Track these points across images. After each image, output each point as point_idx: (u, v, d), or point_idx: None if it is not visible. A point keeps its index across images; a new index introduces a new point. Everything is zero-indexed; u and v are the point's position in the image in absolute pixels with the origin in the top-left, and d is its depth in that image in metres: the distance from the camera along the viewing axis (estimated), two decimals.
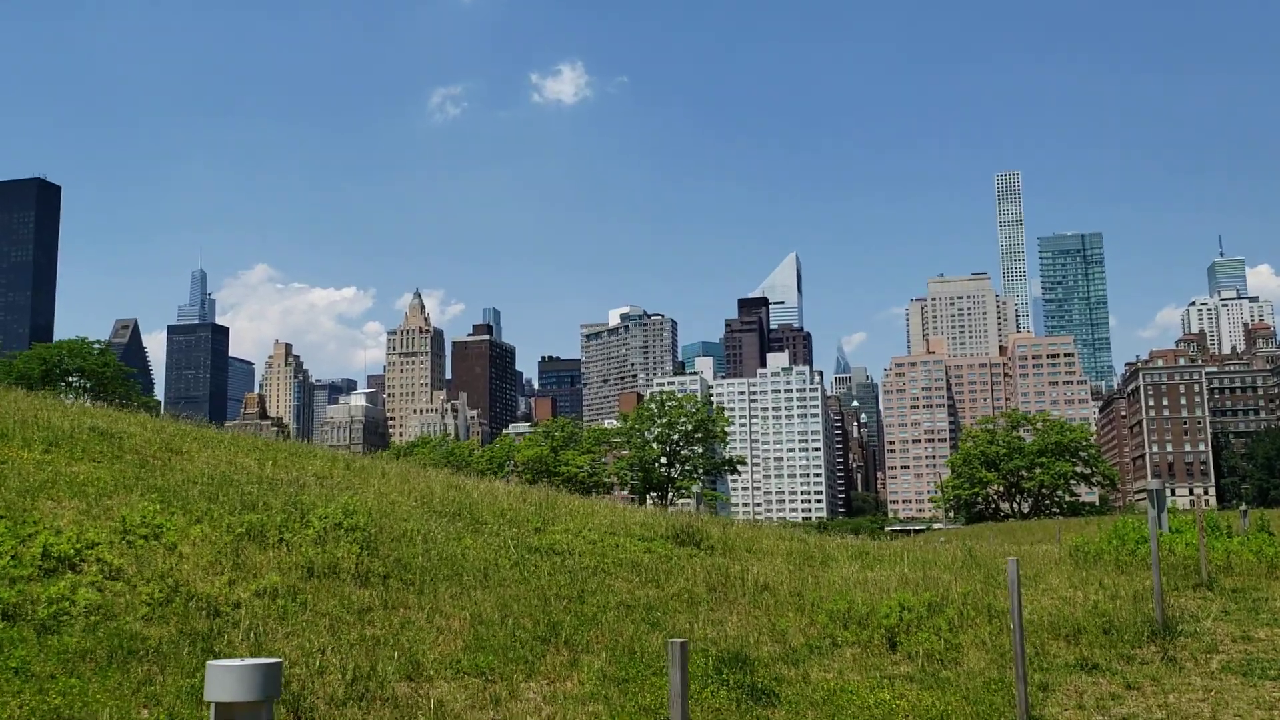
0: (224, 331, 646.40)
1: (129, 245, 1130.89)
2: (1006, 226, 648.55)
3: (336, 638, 10.57)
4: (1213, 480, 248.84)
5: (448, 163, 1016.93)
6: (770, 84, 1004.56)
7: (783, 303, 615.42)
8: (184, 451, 19.23)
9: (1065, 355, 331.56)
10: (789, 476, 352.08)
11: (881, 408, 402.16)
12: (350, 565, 12.76)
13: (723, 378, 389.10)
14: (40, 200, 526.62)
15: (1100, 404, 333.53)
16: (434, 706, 9.38)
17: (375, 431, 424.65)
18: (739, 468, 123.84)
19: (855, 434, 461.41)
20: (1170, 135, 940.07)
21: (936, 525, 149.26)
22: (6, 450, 15.94)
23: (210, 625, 10.38)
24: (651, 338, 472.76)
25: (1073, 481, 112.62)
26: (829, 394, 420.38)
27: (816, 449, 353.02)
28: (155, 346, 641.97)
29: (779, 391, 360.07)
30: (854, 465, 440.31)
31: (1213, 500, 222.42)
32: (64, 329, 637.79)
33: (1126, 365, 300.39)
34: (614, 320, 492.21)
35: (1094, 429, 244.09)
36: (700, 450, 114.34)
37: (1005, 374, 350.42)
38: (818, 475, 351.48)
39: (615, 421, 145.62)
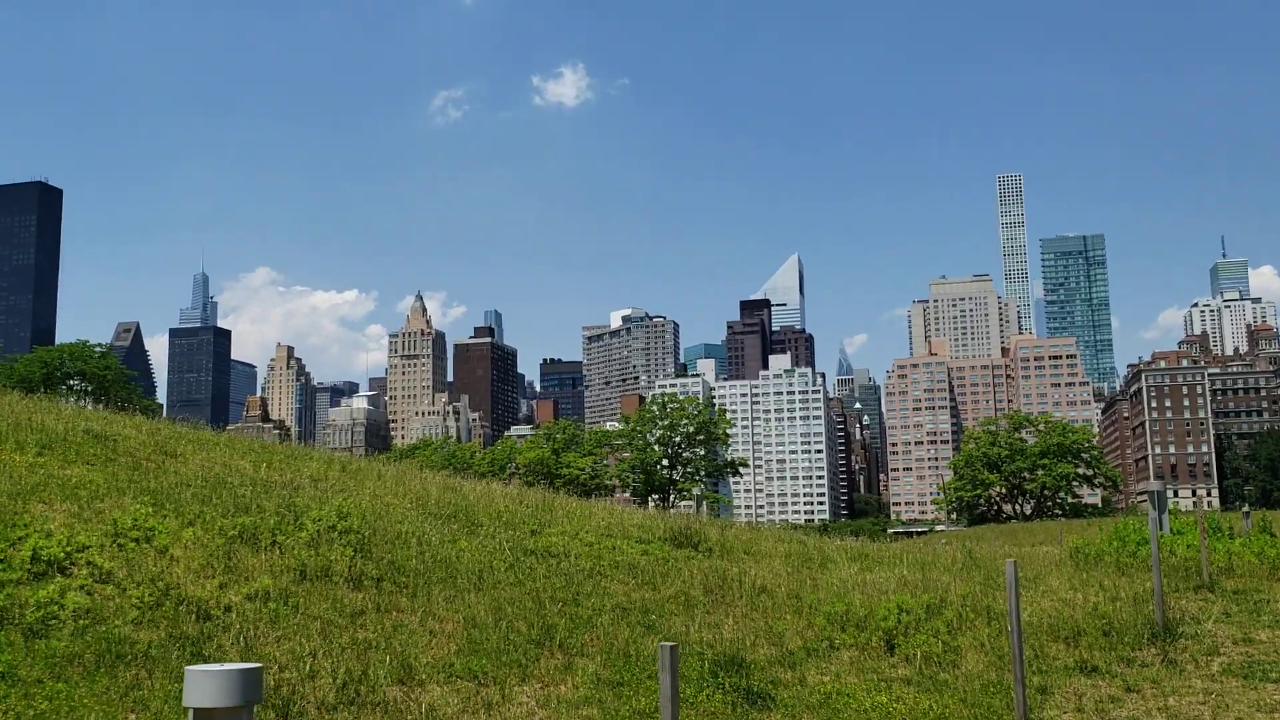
0: (226, 334, 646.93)
1: (131, 248, 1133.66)
2: (1008, 228, 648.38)
3: (328, 641, 10.47)
4: (1216, 482, 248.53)
5: (449, 165, 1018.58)
6: (772, 85, 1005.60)
7: (784, 304, 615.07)
8: (178, 454, 19.14)
9: (1067, 357, 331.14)
10: (791, 479, 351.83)
11: (884, 409, 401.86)
12: (343, 568, 12.66)
13: (725, 380, 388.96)
14: (42, 204, 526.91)
15: (1103, 405, 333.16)
16: (425, 711, 9.29)
17: (377, 434, 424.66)
18: (741, 470, 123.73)
19: (857, 436, 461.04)
20: (1172, 136, 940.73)
21: (939, 527, 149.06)
22: None
23: (200, 629, 10.29)
24: (653, 340, 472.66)
25: (1075, 483, 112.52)
26: (831, 396, 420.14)
27: (819, 451, 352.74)
28: (157, 350, 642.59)
29: (781, 394, 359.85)
30: (856, 467, 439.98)
31: (1216, 502, 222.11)
32: (66, 333, 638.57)
33: (1129, 367, 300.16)
34: (616, 322, 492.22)
35: (1096, 430, 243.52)
36: (702, 452, 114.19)
37: (1007, 375, 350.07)
38: (820, 477, 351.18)
39: (617, 424, 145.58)
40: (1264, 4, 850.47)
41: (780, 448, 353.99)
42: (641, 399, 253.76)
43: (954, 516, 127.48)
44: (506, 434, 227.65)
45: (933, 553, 22.55)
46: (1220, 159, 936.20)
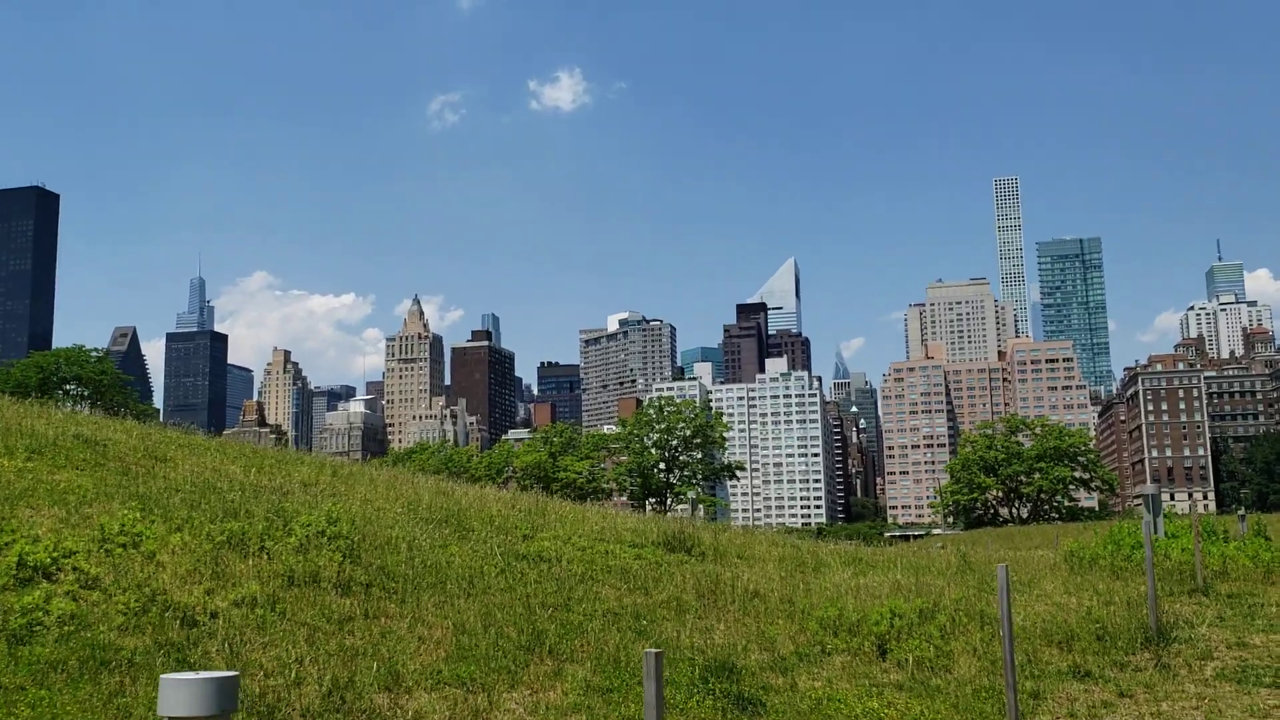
0: (223, 339, 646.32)
1: (127, 253, 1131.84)
2: (1005, 231, 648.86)
3: (314, 648, 10.39)
4: (1212, 485, 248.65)
5: (446, 169, 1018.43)
6: (768, 90, 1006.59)
7: (781, 308, 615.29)
8: (169, 459, 19.06)
9: (1064, 360, 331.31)
10: (788, 482, 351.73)
11: (880, 413, 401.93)
12: (332, 574, 12.58)
13: (721, 383, 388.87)
14: (38, 208, 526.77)
15: (1099, 409, 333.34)
16: (412, 718, 9.21)
17: (374, 438, 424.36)
18: (738, 473, 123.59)
19: (854, 439, 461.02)
20: (1168, 139, 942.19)
21: (936, 531, 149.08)
22: None
23: (186, 635, 10.21)
24: (650, 343, 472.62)
25: (1072, 486, 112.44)
26: (828, 399, 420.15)
27: (815, 454, 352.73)
28: (154, 354, 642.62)
29: (778, 397, 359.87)
30: (853, 471, 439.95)
31: (1212, 505, 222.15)
32: (63, 337, 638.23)
33: (1125, 370, 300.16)
34: (613, 326, 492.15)
35: (1093, 434, 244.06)
36: (699, 456, 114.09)
37: (1004, 379, 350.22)
38: (817, 481, 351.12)
39: (614, 427, 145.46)
40: (1261, 6, 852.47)
41: (777, 451, 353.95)
42: (639, 402, 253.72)
43: (950, 520, 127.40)
44: (504, 437, 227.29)
45: (927, 557, 22.51)
46: (1216, 162, 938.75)
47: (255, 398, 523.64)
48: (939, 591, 16.32)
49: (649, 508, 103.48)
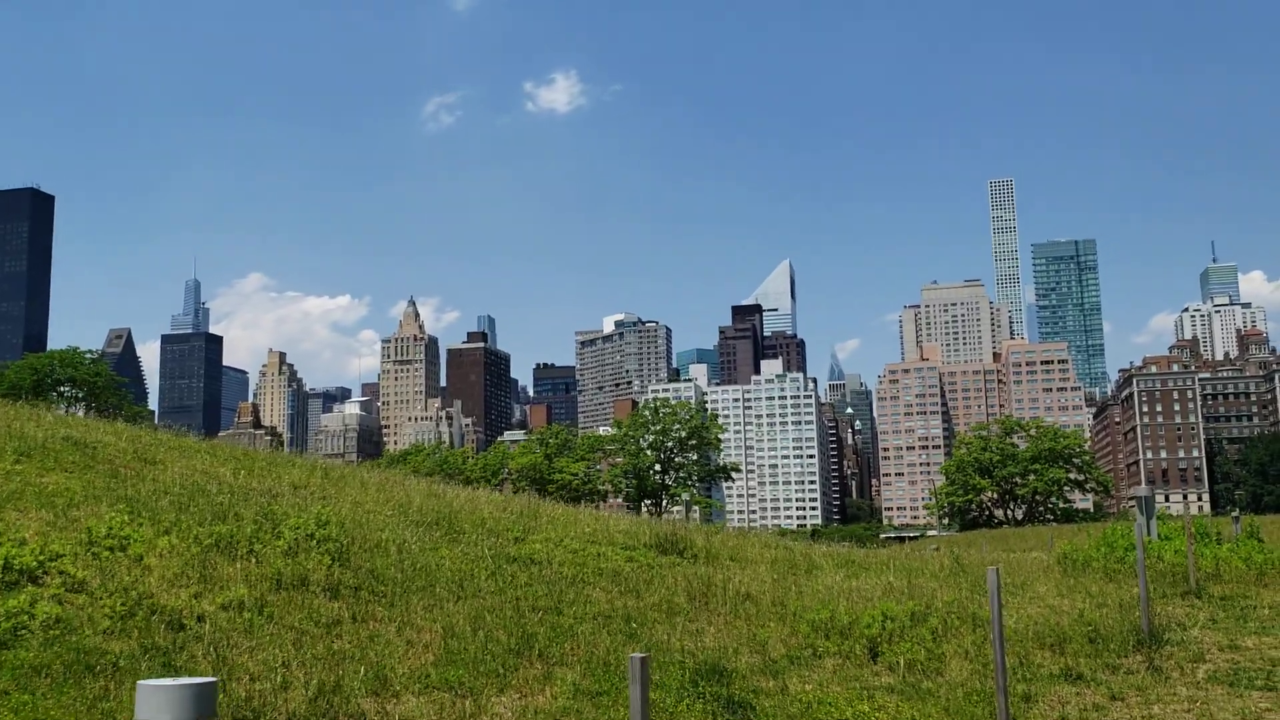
0: (218, 340, 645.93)
1: (123, 254, 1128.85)
2: (1000, 233, 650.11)
3: (302, 651, 10.32)
4: (1206, 486, 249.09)
5: (442, 170, 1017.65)
6: (765, 91, 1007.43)
7: (776, 310, 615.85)
8: (158, 461, 18.97)
9: (1059, 362, 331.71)
10: (784, 483, 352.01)
11: (875, 414, 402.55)
12: (320, 577, 12.51)
13: (717, 385, 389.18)
14: (34, 210, 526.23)
15: (1094, 410, 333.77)
16: None
17: (370, 440, 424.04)
18: (733, 475, 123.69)
19: (849, 441, 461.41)
20: (1163, 141, 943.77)
21: (931, 532, 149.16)
22: None
23: (173, 639, 10.14)
24: (646, 345, 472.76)
25: (1066, 488, 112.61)
26: (823, 401, 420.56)
27: (811, 456, 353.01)
28: (149, 356, 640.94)
29: (773, 399, 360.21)
30: (848, 472, 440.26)
31: (1207, 507, 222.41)
32: (58, 339, 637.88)
33: (1120, 371, 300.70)
34: (609, 327, 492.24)
35: (1088, 435, 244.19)
36: (694, 457, 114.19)
37: (999, 380, 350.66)
38: (812, 482, 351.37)
39: (610, 429, 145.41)
40: (1259, 6, 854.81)
41: (772, 453, 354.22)
42: (634, 404, 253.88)
43: (946, 522, 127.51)
44: (499, 439, 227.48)
45: (920, 559, 22.49)
46: (1211, 164, 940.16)
47: (250, 399, 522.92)
48: (931, 594, 16.29)
49: (644, 509, 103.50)
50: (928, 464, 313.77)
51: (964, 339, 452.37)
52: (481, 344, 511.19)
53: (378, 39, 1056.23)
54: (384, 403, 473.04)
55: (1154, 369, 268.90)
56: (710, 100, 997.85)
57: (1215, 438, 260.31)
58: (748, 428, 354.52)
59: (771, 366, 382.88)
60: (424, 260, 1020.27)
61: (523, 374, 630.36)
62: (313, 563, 12.83)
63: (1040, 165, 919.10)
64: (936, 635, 13.60)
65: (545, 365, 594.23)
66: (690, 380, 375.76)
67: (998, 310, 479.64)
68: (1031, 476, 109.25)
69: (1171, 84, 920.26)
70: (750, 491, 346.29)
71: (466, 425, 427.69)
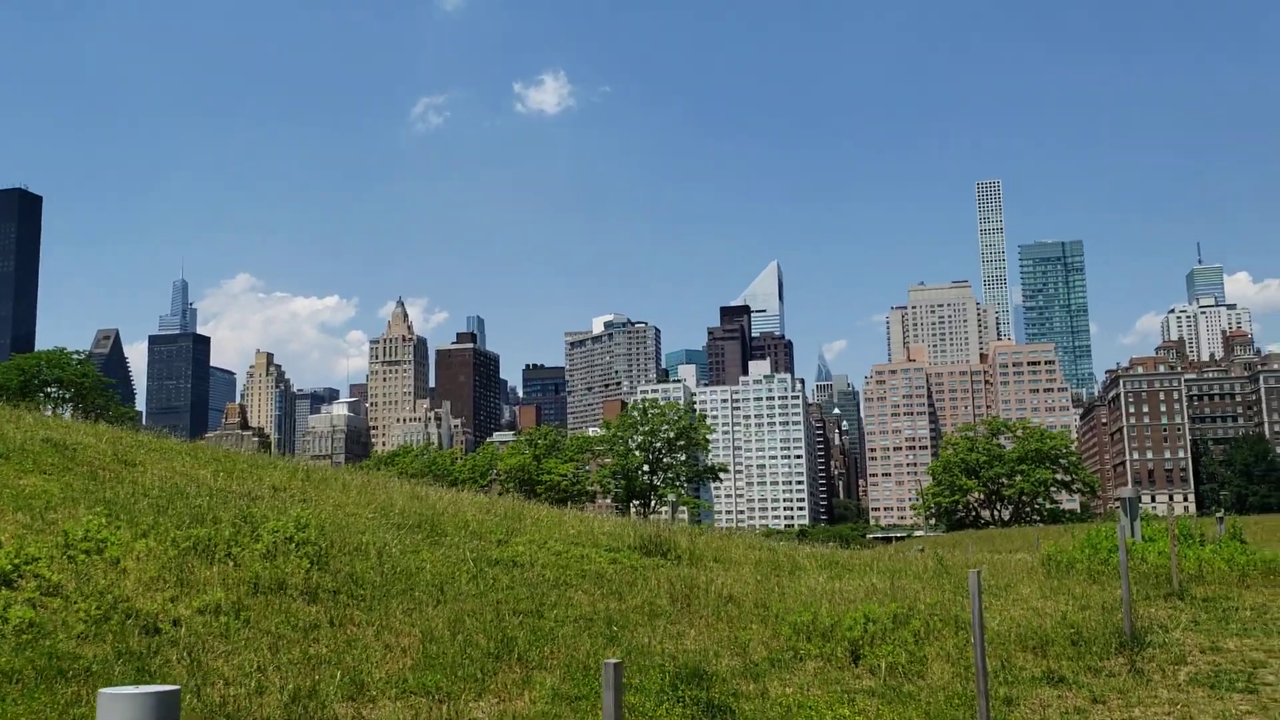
0: (205, 341, 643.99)
1: (111, 255, 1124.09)
2: (987, 234, 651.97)
3: (278, 656, 10.23)
4: (1192, 487, 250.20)
5: (431, 171, 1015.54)
6: (754, 93, 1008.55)
7: (764, 311, 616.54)
8: (138, 463, 18.84)
9: (1046, 363, 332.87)
10: (771, 484, 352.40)
11: (863, 415, 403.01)
12: (299, 580, 12.42)
13: (705, 385, 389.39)
14: (21, 210, 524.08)
15: (1081, 411, 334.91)
16: None
17: (358, 441, 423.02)
18: (721, 475, 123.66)
19: (837, 441, 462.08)
20: (1150, 143, 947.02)
21: (918, 533, 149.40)
22: None
23: (147, 644, 10.04)
24: (635, 345, 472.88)
25: (1053, 489, 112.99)
26: (810, 402, 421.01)
27: (799, 456, 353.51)
28: (137, 357, 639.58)
29: (761, 399, 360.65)
30: (836, 473, 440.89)
31: (1192, 507, 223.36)
32: (45, 339, 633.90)
33: (1107, 373, 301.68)
34: (598, 328, 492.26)
35: (1074, 436, 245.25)
36: (683, 458, 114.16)
37: (986, 381, 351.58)
38: (800, 483, 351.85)
39: (599, 429, 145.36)
40: (1245, 9, 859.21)
41: (760, 453, 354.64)
42: (624, 404, 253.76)
43: (932, 522, 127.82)
44: (488, 440, 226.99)
45: (903, 560, 22.47)
46: (1197, 165, 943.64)
47: (238, 400, 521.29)
48: (914, 596, 16.26)
49: (633, 510, 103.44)
50: (915, 464, 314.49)
51: (951, 340, 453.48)
52: (470, 345, 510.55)
53: (367, 39, 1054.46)
54: (372, 404, 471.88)
55: (1140, 370, 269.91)
56: (699, 102, 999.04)
57: (1201, 438, 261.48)
58: (736, 428, 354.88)
59: (759, 367, 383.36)
60: (413, 261, 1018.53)
61: (512, 375, 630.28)
62: (291, 566, 12.74)
63: (1028, 167, 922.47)
64: (919, 638, 13.56)
65: (534, 366, 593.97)
66: (679, 381, 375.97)
67: (984, 311, 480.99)
68: (1018, 477, 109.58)
69: (1159, 86, 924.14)
70: (738, 492, 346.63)
71: (455, 426, 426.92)
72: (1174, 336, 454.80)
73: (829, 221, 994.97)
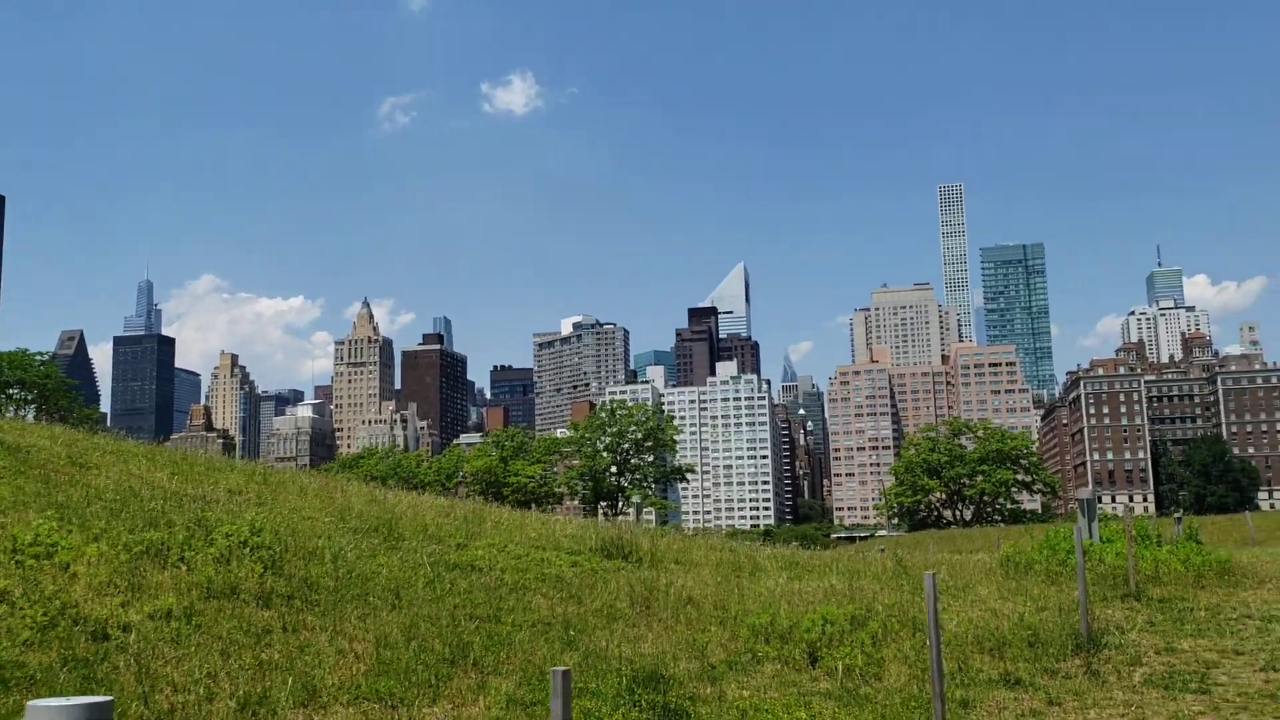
0: (170, 342, 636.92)
1: (75, 255, 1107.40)
2: (949, 237, 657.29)
3: (229, 662, 10.09)
4: (1152, 487, 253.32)
5: (397, 172, 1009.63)
6: (719, 95, 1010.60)
7: (731, 312, 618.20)
8: (93, 466, 18.55)
9: (1007, 364, 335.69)
10: (738, 484, 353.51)
11: (827, 416, 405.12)
12: (252, 585, 12.26)
13: (673, 386, 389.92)
14: None
15: (1042, 412, 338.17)
16: None
17: (323, 443, 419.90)
18: (688, 476, 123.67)
19: (802, 442, 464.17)
20: (1111, 146, 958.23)
21: (881, 533, 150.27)
22: None
23: (95, 650, 9.86)
24: (604, 347, 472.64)
25: (1014, 489, 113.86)
26: (776, 402, 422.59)
27: (764, 457, 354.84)
28: (101, 358, 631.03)
29: (728, 400, 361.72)
30: (800, 473, 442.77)
31: (1152, 507, 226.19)
32: (8, 340, 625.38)
33: (1068, 374, 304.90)
34: (566, 329, 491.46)
35: (1035, 437, 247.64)
36: (650, 459, 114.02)
37: (948, 383, 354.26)
38: (765, 483, 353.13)
39: (567, 431, 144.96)
40: (1206, 17, 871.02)
41: (727, 454, 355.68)
42: (592, 405, 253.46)
43: (895, 522, 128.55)
44: (455, 442, 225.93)
45: (863, 561, 22.53)
46: (1156, 170, 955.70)
47: (203, 402, 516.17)
48: (872, 597, 16.31)
49: (601, 511, 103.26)
50: (878, 465, 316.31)
51: (913, 341, 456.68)
52: (437, 346, 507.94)
53: (332, 40, 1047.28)
54: (337, 405, 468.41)
55: (1101, 372, 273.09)
56: (667, 104, 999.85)
57: (1160, 439, 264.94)
58: (703, 429, 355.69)
59: (727, 368, 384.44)
60: (379, 261, 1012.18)
61: (480, 376, 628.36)
62: (245, 570, 12.57)
63: (989, 170, 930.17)
64: (876, 640, 13.59)
65: (502, 367, 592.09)
66: (647, 382, 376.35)
67: (946, 313, 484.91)
68: (979, 477, 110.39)
69: (1120, 91, 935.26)
70: (705, 492, 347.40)
71: (421, 428, 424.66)
72: (1134, 338, 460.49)
73: (795, 223, 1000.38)
